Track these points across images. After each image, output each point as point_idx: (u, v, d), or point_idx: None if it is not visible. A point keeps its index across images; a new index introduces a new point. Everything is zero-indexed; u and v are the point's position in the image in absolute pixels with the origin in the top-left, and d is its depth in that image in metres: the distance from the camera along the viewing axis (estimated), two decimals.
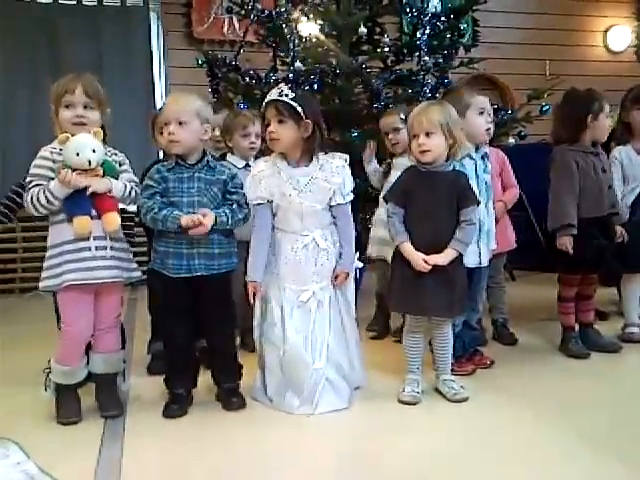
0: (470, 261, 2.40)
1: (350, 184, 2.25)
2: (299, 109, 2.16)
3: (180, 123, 2.12)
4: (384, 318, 3.13)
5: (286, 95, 2.17)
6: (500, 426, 2.06)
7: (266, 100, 2.22)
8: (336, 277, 2.24)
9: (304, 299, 2.19)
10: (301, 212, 2.19)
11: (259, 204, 2.22)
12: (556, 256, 2.70)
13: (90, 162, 2.03)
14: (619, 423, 2.06)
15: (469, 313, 2.53)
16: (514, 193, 3.02)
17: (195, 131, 2.14)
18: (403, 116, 2.86)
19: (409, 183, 2.24)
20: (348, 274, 2.27)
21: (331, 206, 2.24)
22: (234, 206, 2.20)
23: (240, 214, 2.20)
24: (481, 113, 2.49)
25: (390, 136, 2.95)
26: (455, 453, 1.88)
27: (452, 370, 2.41)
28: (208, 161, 2.20)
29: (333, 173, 2.20)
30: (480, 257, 2.47)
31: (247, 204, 2.23)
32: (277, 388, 2.23)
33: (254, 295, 2.23)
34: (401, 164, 2.73)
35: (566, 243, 2.63)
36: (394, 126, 2.92)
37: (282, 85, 2.24)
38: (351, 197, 2.27)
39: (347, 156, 2.28)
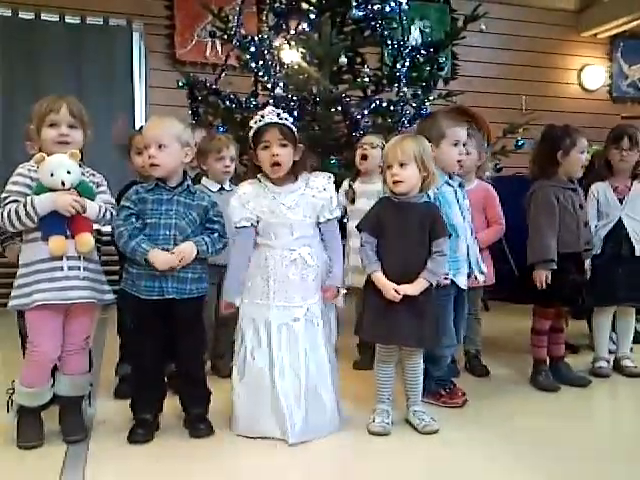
0: (464, 282, 2.43)
1: (336, 200, 2.27)
2: (296, 133, 2.19)
3: (160, 146, 2.11)
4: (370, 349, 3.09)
5: (286, 119, 2.19)
6: (466, 461, 2.04)
7: (265, 122, 2.18)
8: (325, 291, 2.21)
9: (299, 315, 2.15)
10: (291, 225, 2.19)
11: (243, 227, 2.21)
12: (531, 289, 2.72)
13: (64, 183, 2.01)
14: (587, 460, 2.06)
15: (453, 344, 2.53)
16: (496, 230, 2.98)
17: (175, 155, 2.14)
18: (380, 143, 2.91)
19: (382, 213, 2.26)
20: (338, 290, 2.24)
21: (319, 223, 2.24)
22: (215, 235, 2.20)
23: (219, 244, 2.21)
24: (455, 144, 2.49)
25: (364, 146, 3.02)
26: None
27: (444, 403, 2.47)
28: (188, 185, 2.21)
29: (320, 190, 2.23)
30: (471, 278, 2.50)
31: (226, 234, 2.23)
32: (259, 414, 2.16)
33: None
34: (366, 191, 2.84)
35: (542, 277, 2.66)
36: (373, 143, 3.00)
37: (272, 108, 2.23)
38: (338, 213, 2.28)
39: (331, 174, 2.30)
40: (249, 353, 2.19)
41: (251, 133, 2.22)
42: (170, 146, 2.12)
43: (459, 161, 2.53)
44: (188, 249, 2.10)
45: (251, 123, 2.23)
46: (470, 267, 2.48)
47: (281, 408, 2.11)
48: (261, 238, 2.22)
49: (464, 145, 2.55)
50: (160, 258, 2.07)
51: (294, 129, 2.19)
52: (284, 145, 2.17)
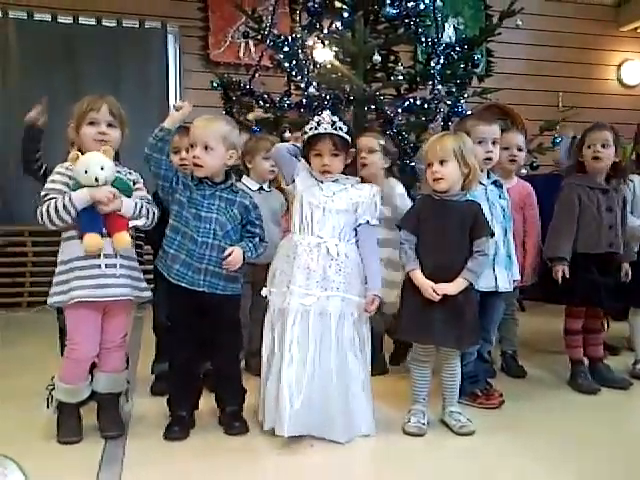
0: (482, 285, 2.36)
1: (379, 211, 2.27)
2: (349, 141, 2.21)
3: (206, 148, 2.13)
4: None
5: (341, 129, 2.20)
6: (504, 463, 2.01)
7: (319, 131, 2.20)
8: (369, 303, 2.19)
9: (307, 303, 2.12)
10: (325, 211, 2.19)
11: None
12: (549, 287, 2.69)
13: (97, 179, 2.04)
14: (624, 465, 2.01)
15: (481, 344, 2.50)
16: (538, 231, 2.89)
17: (220, 157, 2.16)
18: (383, 142, 2.82)
19: (423, 211, 2.24)
20: (376, 296, 2.21)
21: (358, 226, 2.23)
22: (256, 240, 2.23)
23: (260, 248, 2.24)
24: (480, 142, 2.48)
25: (362, 154, 2.75)
26: None
27: (480, 404, 2.45)
28: (232, 183, 2.23)
29: (365, 192, 2.25)
30: (496, 282, 2.44)
31: (266, 238, 2.26)
32: (274, 408, 2.15)
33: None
34: None
35: (558, 273, 2.62)
36: (371, 147, 2.79)
37: (331, 116, 2.22)
38: (377, 222, 2.27)
39: (379, 188, 2.31)
40: (276, 346, 2.18)
41: (305, 137, 2.24)
42: (216, 148, 2.14)
43: (488, 159, 2.51)
44: (238, 252, 2.13)
45: (306, 128, 2.24)
46: (494, 269, 2.43)
47: (282, 398, 2.07)
48: (294, 221, 2.23)
49: (494, 143, 2.54)
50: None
51: (348, 138, 2.21)
52: (335, 155, 2.20)
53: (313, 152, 2.23)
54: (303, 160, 2.29)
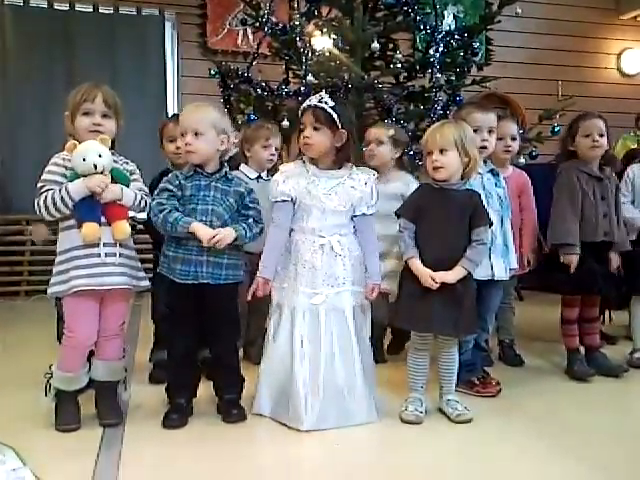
0: (479, 274, 2.37)
1: (376, 198, 2.26)
2: (336, 118, 2.17)
3: (196, 134, 2.13)
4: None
5: (326, 102, 2.18)
6: (501, 451, 2.02)
7: (305, 105, 2.22)
8: (366, 291, 2.23)
9: (316, 302, 2.15)
10: (324, 210, 2.19)
11: (283, 201, 2.21)
12: (551, 275, 2.69)
13: (96, 166, 2.03)
14: (619, 451, 2.01)
15: (479, 332, 2.51)
16: (534, 222, 2.94)
17: (211, 142, 2.16)
18: (392, 133, 2.83)
19: (422, 199, 2.24)
20: (376, 285, 2.24)
21: (354, 216, 2.23)
22: (250, 221, 2.21)
23: (256, 228, 2.22)
24: (475, 131, 2.46)
25: (371, 146, 2.83)
26: (454, 476, 1.85)
27: (477, 392, 2.46)
28: (226, 172, 2.22)
29: (361, 183, 2.23)
30: (492, 271, 2.45)
31: (262, 220, 2.24)
32: (279, 398, 2.20)
33: (255, 293, 2.20)
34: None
35: (572, 263, 2.61)
36: (379, 138, 2.82)
37: (323, 93, 2.23)
38: (375, 210, 2.27)
39: (375, 172, 2.30)
40: (271, 336, 2.22)
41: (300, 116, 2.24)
42: (206, 133, 2.14)
43: (483, 147, 2.51)
44: (227, 231, 2.12)
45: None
46: (490, 258, 2.43)
47: (297, 394, 2.11)
48: (294, 222, 2.22)
49: (490, 132, 2.54)
50: (202, 229, 2.08)
51: (333, 113, 2.17)
52: (316, 128, 2.17)
53: (300, 129, 2.22)
54: (286, 164, 2.30)
